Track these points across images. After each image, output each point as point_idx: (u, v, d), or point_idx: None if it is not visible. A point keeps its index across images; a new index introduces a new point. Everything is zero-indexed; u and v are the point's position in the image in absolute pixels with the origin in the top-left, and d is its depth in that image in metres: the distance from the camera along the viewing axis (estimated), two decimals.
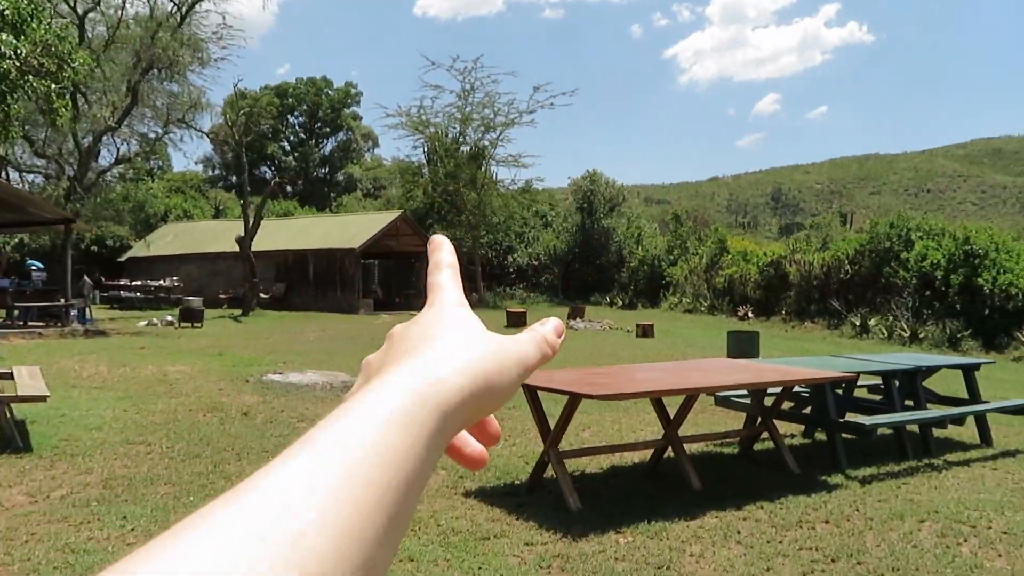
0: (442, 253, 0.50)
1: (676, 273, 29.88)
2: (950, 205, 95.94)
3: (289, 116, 62.04)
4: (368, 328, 20.77)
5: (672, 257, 31.62)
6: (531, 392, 5.68)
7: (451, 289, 0.46)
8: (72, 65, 13.12)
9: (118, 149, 24.34)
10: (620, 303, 30.73)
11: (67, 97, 14.09)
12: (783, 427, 7.80)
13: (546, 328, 0.47)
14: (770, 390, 6.90)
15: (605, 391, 5.64)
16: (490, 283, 34.55)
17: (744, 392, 7.28)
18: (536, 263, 36.17)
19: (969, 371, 7.91)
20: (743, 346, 14.73)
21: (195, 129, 25.53)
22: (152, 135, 26.50)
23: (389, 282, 32.26)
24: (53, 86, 13.02)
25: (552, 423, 5.62)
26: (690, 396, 6.07)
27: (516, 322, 21.16)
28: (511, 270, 36.15)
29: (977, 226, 21.62)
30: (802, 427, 7.86)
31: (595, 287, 33.42)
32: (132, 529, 4.68)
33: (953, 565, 4.32)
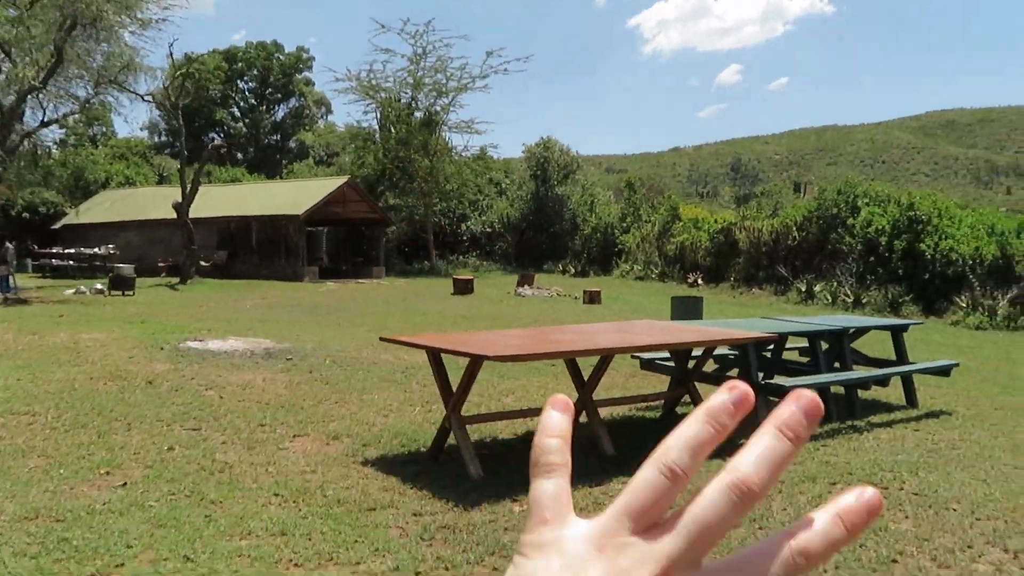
0: (548, 440, 0.37)
1: (628, 240, 29.72)
2: (904, 176, 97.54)
3: (239, 81, 60.14)
4: (312, 296, 20.23)
5: (625, 225, 31.44)
6: (435, 355, 5.36)
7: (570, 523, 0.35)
8: None
9: (44, 111, 23.10)
10: (573, 271, 30.53)
11: None
12: (711, 391, 7.63)
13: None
14: (694, 352, 6.68)
15: (513, 352, 5.35)
16: (443, 251, 34.10)
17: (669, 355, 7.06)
18: (490, 231, 35.74)
19: (897, 332, 7.79)
20: (688, 311, 14.55)
21: (130, 91, 24.39)
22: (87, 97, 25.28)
23: (338, 249, 31.62)
24: None
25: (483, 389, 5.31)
26: (604, 357, 5.81)
27: (462, 289, 20.80)
28: (464, 238, 35.69)
29: (921, 192, 21.75)
30: None
31: (548, 255, 33.17)
32: None
33: None
